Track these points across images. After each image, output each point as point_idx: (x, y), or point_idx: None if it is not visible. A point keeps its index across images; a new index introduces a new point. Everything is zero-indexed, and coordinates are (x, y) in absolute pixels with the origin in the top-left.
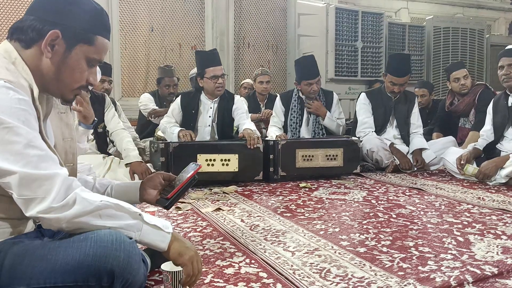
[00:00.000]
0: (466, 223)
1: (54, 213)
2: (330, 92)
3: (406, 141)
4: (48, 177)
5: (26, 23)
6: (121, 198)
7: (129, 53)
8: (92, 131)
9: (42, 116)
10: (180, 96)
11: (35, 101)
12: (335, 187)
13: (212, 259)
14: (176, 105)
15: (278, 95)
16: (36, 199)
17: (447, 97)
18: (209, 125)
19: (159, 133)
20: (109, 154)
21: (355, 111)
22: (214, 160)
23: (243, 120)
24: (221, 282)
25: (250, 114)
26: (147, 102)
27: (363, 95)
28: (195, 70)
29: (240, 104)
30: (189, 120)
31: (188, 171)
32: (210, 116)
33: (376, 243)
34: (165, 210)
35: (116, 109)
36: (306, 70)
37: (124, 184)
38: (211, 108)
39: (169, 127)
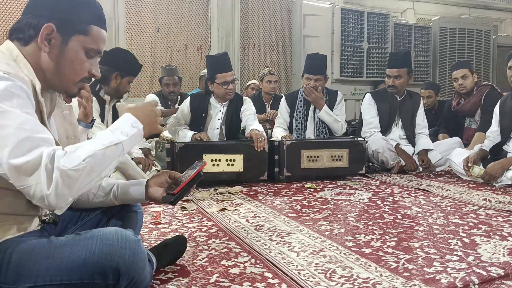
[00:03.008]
0: (472, 224)
1: (53, 198)
2: (334, 91)
3: (412, 142)
4: (33, 163)
5: (23, 22)
6: (127, 196)
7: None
8: (90, 130)
9: (46, 113)
10: (189, 97)
11: (38, 95)
12: (341, 188)
13: (217, 259)
14: (185, 106)
15: (283, 96)
16: (31, 186)
17: (454, 97)
18: (218, 128)
19: (165, 133)
20: None
21: (361, 112)
22: (220, 160)
23: (251, 121)
24: (227, 282)
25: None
26: None
27: (368, 95)
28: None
29: (248, 106)
30: (198, 122)
31: (194, 168)
32: (219, 119)
33: (382, 244)
34: (171, 210)
35: None
36: (311, 66)
37: (130, 183)
38: (220, 111)
39: (180, 130)
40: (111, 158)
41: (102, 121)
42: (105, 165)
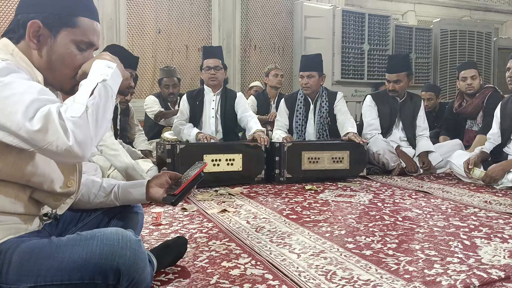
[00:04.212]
0: (472, 226)
1: (77, 148)
2: (334, 92)
3: (412, 144)
4: (45, 121)
5: (14, 22)
6: (128, 196)
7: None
8: None
9: None
10: (186, 93)
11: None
12: (341, 190)
13: (218, 260)
14: (184, 101)
15: (283, 98)
16: (53, 143)
17: (456, 99)
18: (213, 117)
19: (165, 134)
20: None
21: (361, 114)
22: (220, 160)
23: (246, 112)
24: (227, 283)
25: (257, 116)
26: (152, 104)
27: (368, 97)
28: None
29: (240, 99)
30: (195, 112)
31: (194, 169)
32: (213, 108)
33: (382, 246)
34: (172, 211)
35: (130, 112)
36: (304, 63)
37: (131, 183)
38: (213, 100)
39: (185, 129)
40: (106, 98)
41: None
42: (104, 105)
